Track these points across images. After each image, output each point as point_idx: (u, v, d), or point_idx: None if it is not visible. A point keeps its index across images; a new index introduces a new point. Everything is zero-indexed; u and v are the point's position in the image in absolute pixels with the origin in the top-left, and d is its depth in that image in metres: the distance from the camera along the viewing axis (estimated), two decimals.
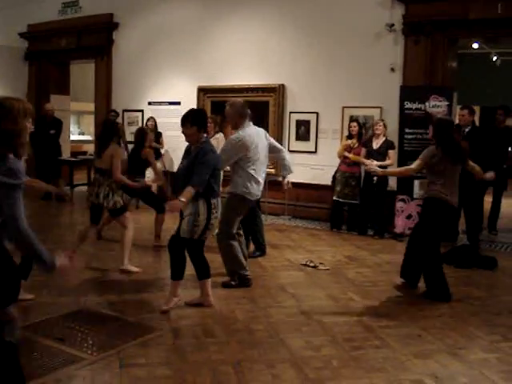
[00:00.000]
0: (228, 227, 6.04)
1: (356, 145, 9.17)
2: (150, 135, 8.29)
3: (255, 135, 6.08)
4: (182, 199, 4.92)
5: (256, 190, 6.10)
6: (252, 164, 6.00)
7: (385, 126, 8.94)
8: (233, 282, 6.07)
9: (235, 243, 6.11)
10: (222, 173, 6.02)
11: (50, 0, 14.21)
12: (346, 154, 9.08)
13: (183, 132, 5.26)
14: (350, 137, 9.29)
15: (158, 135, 11.56)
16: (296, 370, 4.03)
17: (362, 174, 9.12)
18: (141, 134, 8.07)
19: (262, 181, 6.19)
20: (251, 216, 7.01)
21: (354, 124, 9.26)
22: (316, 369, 4.07)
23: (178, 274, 5.26)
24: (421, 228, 6.06)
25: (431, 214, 5.93)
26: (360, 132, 9.24)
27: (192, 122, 5.19)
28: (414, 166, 6.09)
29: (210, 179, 5.09)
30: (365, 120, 9.82)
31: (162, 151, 11.73)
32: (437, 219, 5.90)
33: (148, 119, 11.79)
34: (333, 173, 9.53)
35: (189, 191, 4.95)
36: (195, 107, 11.41)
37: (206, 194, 5.09)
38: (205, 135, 5.30)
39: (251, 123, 6.13)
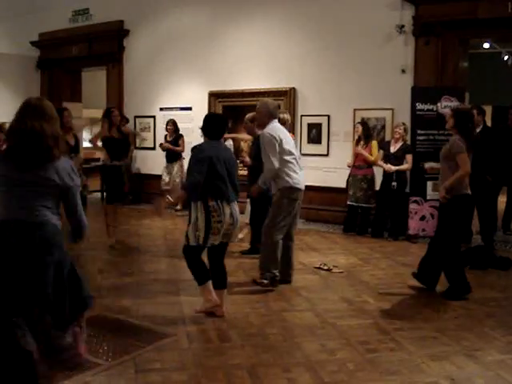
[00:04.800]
0: (272, 223, 6.01)
1: (364, 146, 9.20)
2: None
3: (278, 129, 6.07)
4: (169, 197, 5.31)
5: (300, 177, 6.09)
6: (287, 156, 5.99)
7: (405, 130, 8.87)
8: (265, 281, 5.97)
9: (278, 241, 6.04)
10: None
11: (60, 8, 14.30)
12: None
13: None
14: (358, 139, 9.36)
15: (178, 137, 11.48)
16: (311, 374, 4.02)
17: (380, 178, 9.11)
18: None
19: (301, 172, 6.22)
20: (262, 218, 6.97)
21: (357, 125, 9.37)
22: (331, 372, 4.06)
23: (200, 278, 5.16)
24: (449, 228, 5.95)
25: (462, 211, 5.94)
26: (367, 134, 9.28)
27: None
28: (466, 167, 5.75)
29: (210, 180, 4.94)
30: (376, 122, 9.82)
31: (184, 155, 11.64)
32: (466, 215, 6.03)
33: (167, 122, 11.67)
34: (345, 175, 9.52)
35: (180, 193, 5.24)
36: (206, 112, 11.49)
37: (203, 196, 4.95)
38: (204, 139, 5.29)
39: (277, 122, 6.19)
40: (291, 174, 5.99)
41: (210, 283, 5.16)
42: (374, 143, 9.25)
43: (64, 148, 3.30)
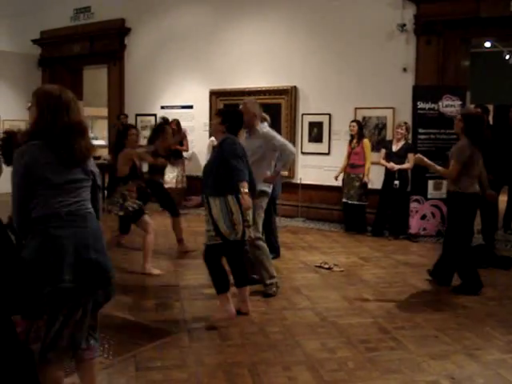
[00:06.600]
0: (259, 229, 5.84)
1: (356, 145, 9.21)
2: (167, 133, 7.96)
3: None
4: (245, 190, 4.80)
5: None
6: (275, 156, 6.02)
7: (407, 129, 8.87)
8: (274, 288, 5.84)
9: (263, 245, 5.89)
10: None
11: (62, 6, 14.32)
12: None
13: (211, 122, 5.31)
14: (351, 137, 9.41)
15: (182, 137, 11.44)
16: (311, 373, 4.03)
17: (382, 177, 9.09)
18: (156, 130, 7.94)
19: None
20: (265, 217, 6.94)
21: (353, 124, 9.34)
22: (331, 371, 4.06)
23: (220, 285, 5.03)
24: (457, 224, 6.14)
25: (468, 209, 6.08)
26: (360, 133, 9.29)
27: (220, 112, 5.28)
28: (452, 173, 6.05)
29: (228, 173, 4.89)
30: (377, 121, 9.83)
31: (185, 154, 11.68)
32: (472, 213, 6.14)
33: (171, 122, 11.58)
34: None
35: (243, 185, 4.82)
36: (207, 110, 11.53)
37: (232, 189, 4.84)
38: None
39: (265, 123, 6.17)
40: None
41: (229, 294, 5.04)
42: (366, 142, 9.26)
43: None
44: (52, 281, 2.97)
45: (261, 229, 5.88)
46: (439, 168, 6.23)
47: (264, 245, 5.89)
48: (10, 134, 4.71)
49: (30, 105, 3.27)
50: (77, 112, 3.16)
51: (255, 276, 5.91)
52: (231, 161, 4.86)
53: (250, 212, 5.03)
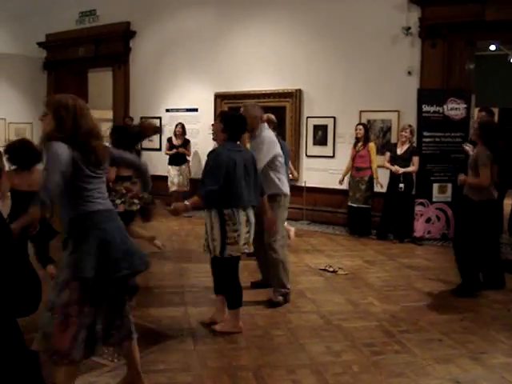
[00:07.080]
0: (274, 236, 5.65)
1: (361, 148, 9.21)
2: None
3: (272, 134, 5.95)
4: (186, 202, 4.69)
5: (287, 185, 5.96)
6: (280, 165, 5.81)
7: (411, 132, 8.85)
8: (280, 298, 5.68)
9: (285, 253, 5.80)
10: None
11: (67, 9, 14.34)
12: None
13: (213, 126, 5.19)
14: (357, 140, 9.39)
15: (186, 142, 11.54)
16: (316, 376, 4.02)
17: (387, 180, 9.08)
18: None
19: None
20: None
21: (360, 127, 9.33)
22: (336, 374, 4.05)
23: (233, 300, 4.90)
24: (478, 230, 6.12)
25: (489, 215, 6.13)
26: (366, 136, 9.29)
27: (222, 118, 5.02)
28: (485, 180, 6.00)
29: (226, 186, 4.62)
30: (382, 124, 9.82)
31: (189, 158, 11.73)
32: (492, 219, 6.21)
33: (176, 125, 11.69)
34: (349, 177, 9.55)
35: (195, 199, 4.68)
36: (212, 113, 11.53)
37: (217, 204, 4.64)
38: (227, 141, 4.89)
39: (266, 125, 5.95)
40: (283, 178, 5.86)
41: (240, 309, 4.93)
42: (372, 145, 9.25)
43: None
44: (113, 270, 3.26)
45: (280, 231, 5.75)
46: (472, 180, 6.13)
47: (281, 249, 5.72)
48: (25, 143, 4.96)
49: (43, 115, 3.34)
50: (90, 118, 3.35)
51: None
52: (205, 173, 4.72)
53: (248, 229, 4.80)
